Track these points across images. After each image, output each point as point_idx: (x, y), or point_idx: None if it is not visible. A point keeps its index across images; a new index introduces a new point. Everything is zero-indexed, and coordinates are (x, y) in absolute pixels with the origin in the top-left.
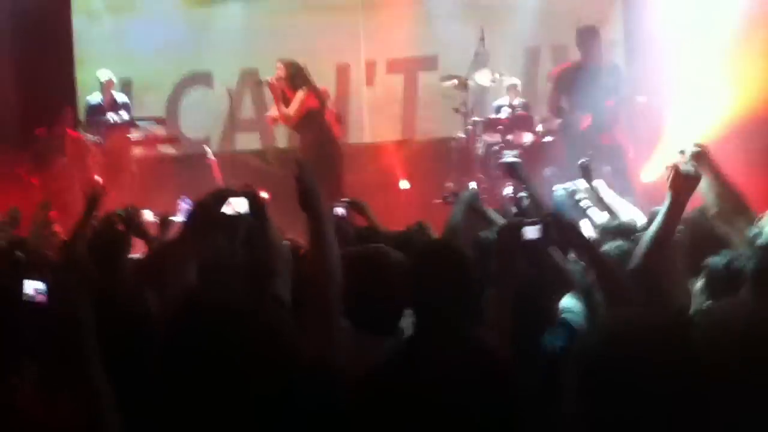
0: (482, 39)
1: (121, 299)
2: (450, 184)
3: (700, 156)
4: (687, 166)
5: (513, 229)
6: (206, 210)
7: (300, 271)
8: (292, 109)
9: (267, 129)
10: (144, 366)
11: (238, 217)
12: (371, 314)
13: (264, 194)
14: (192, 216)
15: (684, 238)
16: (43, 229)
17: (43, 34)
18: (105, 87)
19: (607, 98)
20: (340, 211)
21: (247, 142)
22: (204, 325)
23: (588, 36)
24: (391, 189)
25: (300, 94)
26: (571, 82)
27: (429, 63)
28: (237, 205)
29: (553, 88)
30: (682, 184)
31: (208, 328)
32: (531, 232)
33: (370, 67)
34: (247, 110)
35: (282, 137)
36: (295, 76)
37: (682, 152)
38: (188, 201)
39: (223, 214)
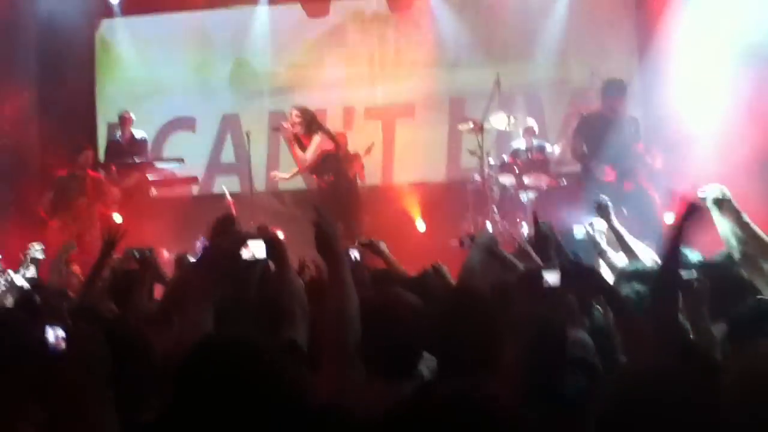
0: (497, 82)
1: (131, 340)
2: (466, 227)
3: (721, 200)
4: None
5: (533, 275)
6: (224, 253)
7: (319, 314)
8: (309, 153)
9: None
10: (152, 407)
11: (254, 261)
12: (387, 359)
13: (280, 234)
14: (209, 257)
15: (708, 283)
16: (63, 269)
17: (66, 73)
18: (123, 123)
19: (628, 149)
20: (354, 254)
21: (264, 183)
22: (216, 368)
23: (615, 89)
24: (408, 231)
25: (316, 139)
26: (593, 130)
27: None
28: (254, 249)
29: (574, 134)
30: (685, 212)
31: (219, 372)
32: (552, 279)
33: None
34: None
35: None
36: (311, 122)
37: (703, 197)
38: (206, 241)
39: (240, 257)
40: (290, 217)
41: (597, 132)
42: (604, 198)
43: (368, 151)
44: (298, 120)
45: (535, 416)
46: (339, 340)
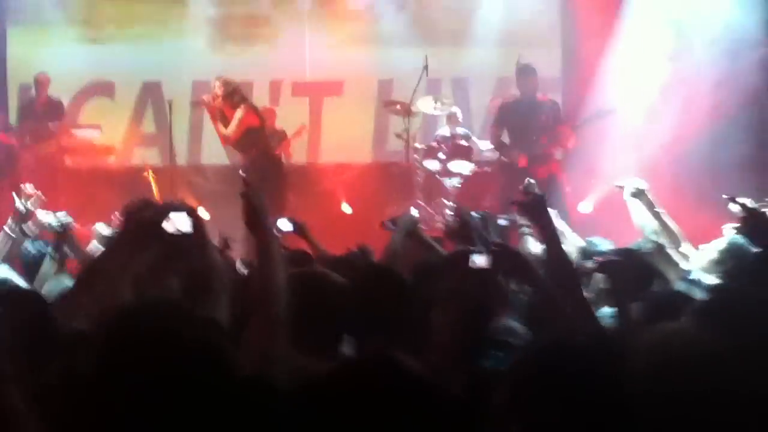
0: (426, 66)
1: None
2: (390, 210)
3: (639, 192)
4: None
5: (462, 256)
6: (147, 225)
7: (245, 290)
8: (231, 127)
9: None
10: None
11: (181, 234)
12: (311, 334)
13: (203, 211)
14: (131, 229)
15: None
16: None
17: None
18: (39, 84)
19: (544, 133)
20: (285, 226)
21: (185, 155)
22: (138, 340)
23: (525, 74)
24: (333, 212)
25: (239, 112)
26: (510, 116)
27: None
28: (179, 222)
29: (493, 122)
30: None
31: (140, 340)
32: (480, 260)
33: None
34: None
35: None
36: (233, 94)
37: (620, 187)
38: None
39: (164, 230)
40: (213, 192)
41: (514, 118)
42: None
43: (298, 133)
44: (220, 92)
45: (456, 389)
46: (266, 312)
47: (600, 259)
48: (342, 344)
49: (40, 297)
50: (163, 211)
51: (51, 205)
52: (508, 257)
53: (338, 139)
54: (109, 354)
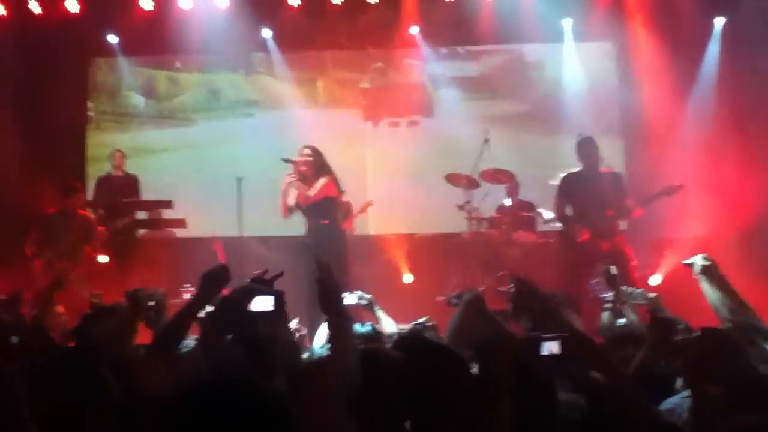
0: (487, 140)
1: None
2: (452, 281)
3: (709, 269)
4: (663, 312)
5: (533, 343)
6: (233, 305)
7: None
8: (315, 190)
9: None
10: None
11: (259, 313)
12: (375, 414)
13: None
14: (219, 309)
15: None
16: (46, 308)
17: (56, 109)
18: (115, 161)
19: (608, 206)
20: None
21: (253, 227)
22: (212, 410)
23: (586, 146)
24: (394, 282)
25: (322, 180)
26: (574, 189)
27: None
28: (263, 304)
29: (557, 195)
30: (661, 330)
31: (215, 414)
32: (550, 347)
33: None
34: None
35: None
36: (321, 163)
37: (689, 265)
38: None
39: (249, 311)
40: (275, 262)
41: (577, 190)
42: (612, 267)
43: (363, 209)
44: (309, 159)
45: None
46: (335, 393)
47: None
48: (404, 423)
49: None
50: (251, 293)
51: (123, 276)
52: (580, 345)
53: (400, 210)
54: (188, 427)
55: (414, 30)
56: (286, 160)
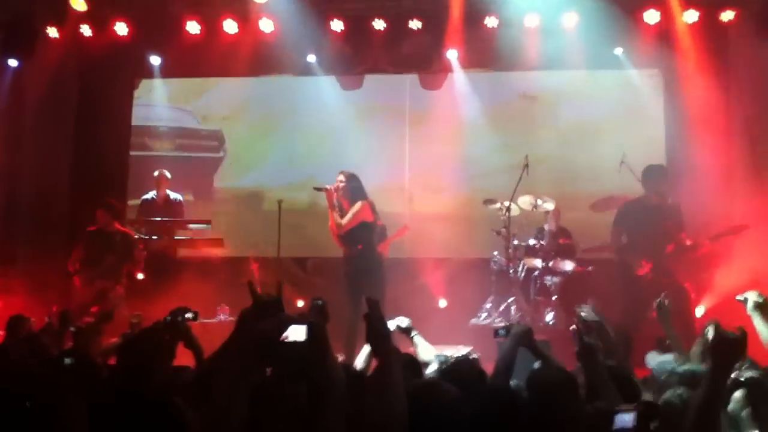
0: (526, 165)
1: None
2: (489, 305)
3: (763, 306)
4: (728, 333)
5: (605, 415)
6: (265, 336)
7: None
8: (348, 218)
9: None
10: None
11: (292, 343)
12: None
13: (300, 303)
14: (249, 338)
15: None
16: (94, 338)
17: (102, 129)
18: (159, 183)
19: (669, 238)
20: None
21: (289, 250)
22: None
23: (657, 174)
24: (429, 306)
25: (358, 205)
26: (633, 219)
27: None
28: (295, 334)
29: (614, 223)
30: (725, 349)
31: None
32: (624, 420)
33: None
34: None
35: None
36: (355, 188)
37: (744, 300)
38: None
39: (282, 343)
40: (311, 284)
41: (638, 221)
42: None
43: (400, 233)
44: (342, 185)
45: None
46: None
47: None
48: None
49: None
50: (285, 323)
51: (161, 295)
52: (655, 415)
53: (438, 234)
54: None
55: (452, 54)
56: (318, 189)
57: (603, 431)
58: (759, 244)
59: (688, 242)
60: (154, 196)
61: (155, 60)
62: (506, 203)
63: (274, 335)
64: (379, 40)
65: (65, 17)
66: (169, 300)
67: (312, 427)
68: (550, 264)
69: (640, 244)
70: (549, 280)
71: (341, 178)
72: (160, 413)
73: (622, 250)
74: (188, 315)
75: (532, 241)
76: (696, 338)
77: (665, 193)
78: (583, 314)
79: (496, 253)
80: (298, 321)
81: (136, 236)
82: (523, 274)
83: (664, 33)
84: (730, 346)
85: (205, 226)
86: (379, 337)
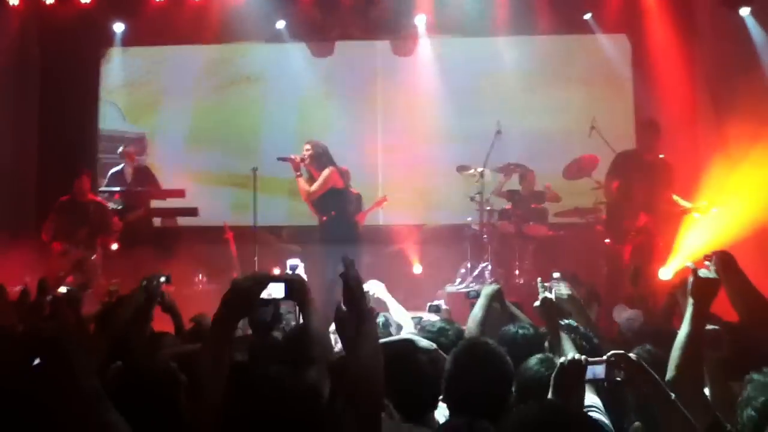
0: (499, 131)
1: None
2: (463, 270)
3: (727, 263)
4: (706, 271)
5: (577, 366)
6: (244, 292)
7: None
8: (316, 185)
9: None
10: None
11: (270, 299)
12: (407, 404)
13: (276, 270)
14: (229, 296)
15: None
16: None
17: (69, 100)
18: (127, 156)
19: (659, 196)
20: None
21: (266, 217)
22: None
23: (649, 129)
24: (405, 272)
25: (326, 172)
26: (627, 170)
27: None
28: (274, 291)
29: (608, 172)
30: (702, 289)
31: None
32: (596, 371)
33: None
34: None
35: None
36: (322, 155)
37: (708, 258)
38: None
39: (262, 298)
40: (287, 251)
41: (632, 174)
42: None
43: (379, 203)
44: (308, 153)
45: None
46: (365, 391)
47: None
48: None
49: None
50: (264, 281)
51: (137, 263)
52: (627, 367)
53: (412, 201)
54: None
55: (420, 20)
56: (282, 159)
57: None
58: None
59: (678, 202)
60: (122, 169)
61: (118, 27)
62: (479, 169)
63: (254, 291)
64: (349, 6)
65: None
66: (145, 270)
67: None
68: (523, 228)
69: (633, 198)
70: (522, 244)
71: (307, 146)
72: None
73: (615, 202)
74: (161, 279)
75: (505, 206)
76: (657, 296)
77: (656, 147)
78: (556, 291)
79: (470, 219)
80: (276, 279)
81: (109, 206)
82: (496, 239)
83: None
84: (708, 284)
85: (178, 197)
86: (356, 294)
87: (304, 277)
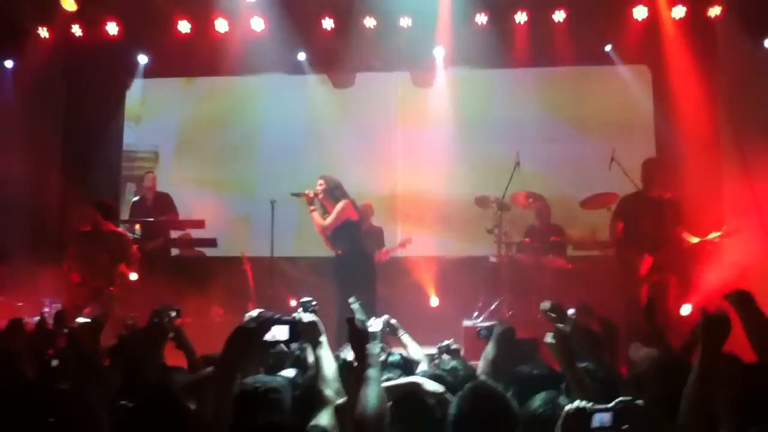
0: (518, 163)
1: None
2: (480, 303)
3: (744, 302)
4: (717, 314)
5: (581, 415)
6: (247, 335)
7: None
8: (330, 218)
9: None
10: None
11: (273, 342)
12: None
13: (293, 302)
14: (236, 340)
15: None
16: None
17: (93, 129)
18: (147, 183)
19: (667, 234)
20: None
21: (283, 248)
22: None
23: (653, 167)
24: (421, 304)
25: (340, 205)
26: (632, 210)
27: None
28: (278, 333)
29: (613, 214)
30: (712, 329)
31: None
32: (603, 419)
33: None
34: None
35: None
36: (335, 189)
37: (727, 297)
38: None
39: (265, 341)
40: (304, 283)
41: (637, 214)
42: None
43: (403, 245)
44: (321, 187)
45: None
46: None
47: None
48: None
49: None
50: (268, 323)
51: (155, 294)
52: (633, 415)
53: (430, 232)
54: None
55: (439, 52)
56: (296, 194)
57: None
58: (746, 240)
59: (687, 238)
60: (143, 196)
61: (142, 59)
62: (498, 200)
63: (259, 333)
64: (369, 37)
65: (55, 17)
66: (162, 300)
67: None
68: (541, 261)
69: (639, 239)
70: (540, 277)
71: (321, 181)
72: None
73: (621, 244)
74: (172, 314)
75: (523, 239)
76: (677, 333)
77: (663, 187)
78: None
79: (489, 253)
80: (281, 321)
81: (129, 236)
82: (514, 272)
83: (653, 29)
84: (718, 324)
85: (198, 227)
86: (359, 341)
87: (315, 317)
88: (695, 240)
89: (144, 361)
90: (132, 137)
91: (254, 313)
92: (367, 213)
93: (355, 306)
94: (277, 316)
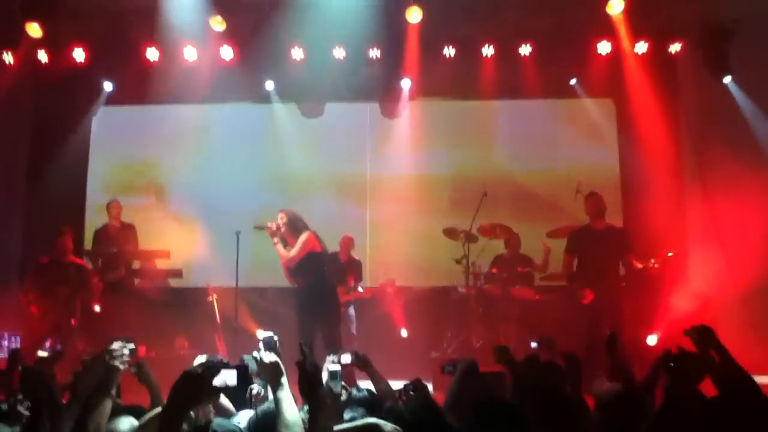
0: (485, 194)
1: None
2: (449, 334)
3: (706, 337)
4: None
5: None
6: (195, 381)
7: None
8: (295, 250)
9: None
10: None
11: (222, 388)
12: None
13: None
14: (182, 385)
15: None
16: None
17: (57, 157)
18: (111, 212)
19: (614, 260)
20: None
21: (251, 279)
22: None
23: (593, 204)
24: (390, 336)
25: (303, 236)
26: (582, 244)
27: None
28: (228, 378)
29: (565, 249)
30: (685, 366)
31: None
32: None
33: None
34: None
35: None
36: (297, 221)
37: (688, 333)
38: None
39: (215, 387)
40: (272, 313)
41: (586, 247)
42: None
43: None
44: (283, 221)
45: None
46: None
47: None
48: None
49: None
50: (216, 369)
51: (118, 326)
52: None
53: (398, 263)
54: None
55: (405, 83)
56: (259, 227)
57: None
58: (708, 267)
59: (638, 265)
60: (108, 224)
61: (107, 86)
62: (466, 231)
63: (206, 379)
64: (338, 68)
65: (20, 43)
66: (125, 333)
67: None
68: (509, 291)
69: (587, 271)
70: (508, 308)
71: (281, 215)
72: None
73: (571, 278)
74: (126, 351)
75: (491, 270)
76: (632, 365)
77: (602, 217)
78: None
79: (456, 283)
80: (229, 366)
81: (90, 267)
82: (483, 303)
83: (616, 63)
84: (691, 362)
85: (163, 258)
86: (309, 383)
87: (275, 357)
88: (639, 266)
89: (93, 401)
90: (97, 165)
91: (203, 358)
92: (347, 245)
93: (306, 349)
94: (225, 361)
